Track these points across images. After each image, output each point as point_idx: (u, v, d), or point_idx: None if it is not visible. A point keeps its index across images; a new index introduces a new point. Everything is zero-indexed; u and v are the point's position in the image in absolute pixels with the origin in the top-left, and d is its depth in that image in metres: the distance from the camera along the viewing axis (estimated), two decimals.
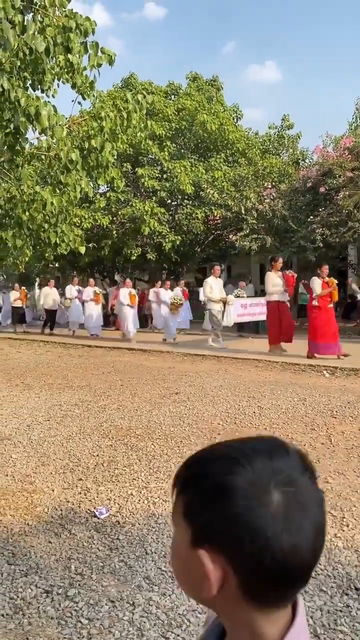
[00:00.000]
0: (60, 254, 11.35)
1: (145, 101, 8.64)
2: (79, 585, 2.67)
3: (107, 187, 18.49)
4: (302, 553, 0.59)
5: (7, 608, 2.49)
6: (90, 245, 16.86)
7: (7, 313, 19.66)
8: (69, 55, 7.17)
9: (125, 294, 14.16)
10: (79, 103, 14.25)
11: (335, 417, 5.69)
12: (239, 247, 16.37)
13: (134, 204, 17.17)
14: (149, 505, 3.58)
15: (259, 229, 16.02)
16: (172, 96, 20.40)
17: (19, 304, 18.21)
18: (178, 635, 2.25)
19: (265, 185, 17.14)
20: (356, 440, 4.88)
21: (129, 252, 18.03)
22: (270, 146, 19.70)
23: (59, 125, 7.52)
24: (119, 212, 17.73)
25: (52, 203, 8.59)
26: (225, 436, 5.12)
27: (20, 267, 12.79)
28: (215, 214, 17.97)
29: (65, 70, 7.56)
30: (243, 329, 14.29)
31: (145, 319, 17.97)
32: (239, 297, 13.38)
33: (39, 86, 7.64)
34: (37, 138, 8.68)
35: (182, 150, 19.17)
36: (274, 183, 17.18)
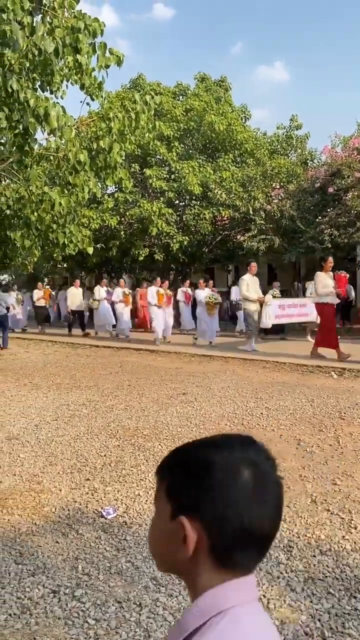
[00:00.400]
0: (68, 254, 11.38)
1: (153, 102, 8.65)
2: (86, 585, 2.67)
3: (115, 187, 18.50)
4: (265, 522, 0.73)
5: (15, 608, 2.49)
6: (98, 245, 16.76)
7: (26, 314, 19.41)
8: (78, 56, 7.19)
9: (153, 293, 13.41)
10: (88, 104, 14.34)
11: (343, 419, 5.66)
12: (246, 247, 16.33)
13: (141, 205, 17.18)
14: None
15: (267, 229, 15.97)
16: (181, 97, 20.41)
17: (42, 303, 17.77)
18: None
19: (273, 185, 17.08)
20: None
21: (136, 252, 18.04)
22: (279, 146, 19.63)
23: (68, 126, 7.55)
24: (127, 213, 17.75)
25: (60, 204, 8.62)
26: None
27: (29, 267, 12.85)
28: (223, 215, 17.94)
29: (74, 71, 7.58)
30: (283, 331, 13.50)
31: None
32: (275, 297, 12.30)
33: (48, 87, 7.67)
34: (46, 139, 8.71)
35: (190, 151, 19.15)
36: (282, 183, 17.12)
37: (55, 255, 13.06)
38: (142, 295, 16.05)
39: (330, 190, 14.53)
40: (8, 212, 8.91)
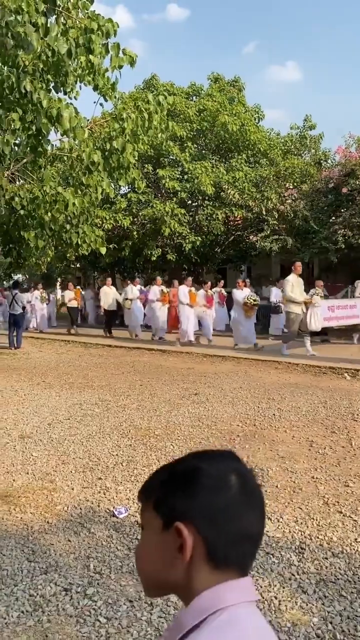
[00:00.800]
0: (81, 254, 11.42)
1: (166, 102, 8.66)
2: (98, 584, 2.68)
3: (128, 188, 18.58)
4: (255, 522, 0.77)
5: (27, 605, 2.51)
6: (110, 246, 16.79)
7: (54, 313, 19.04)
8: (91, 57, 7.22)
9: (185, 292, 12.92)
10: (101, 105, 14.36)
11: (356, 420, 5.62)
12: (259, 248, 16.28)
13: (154, 205, 17.21)
14: None
15: (280, 229, 15.91)
16: (194, 97, 20.41)
17: (74, 304, 17.26)
18: None
19: (286, 185, 17.02)
20: None
21: (149, 252, 18.07)
22: (292, 147, 19.55)
23: (81, 127, 7.59)
24: (140, 213, 17.79)
25: (74, 204, 8.67)
26: (243, 440, 5.10)
27: (43, 267, 12.93)
28: (235, 215, 17.91)
29: (87, 71, 7.62)
30: (326, 333, 12.63)
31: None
32: (320, 297, 11.23)
33: (62, 88, 7.72)
34: (60, 139, 8.76)
35: (203, 151, 19.15)
36: (295, 184, 17.05)
37: (68, 255, 13.12)
38: (173, 294, 15.06)
39: (344, 190, 14.44)
40: (22, 212, 8.98)
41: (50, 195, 8.74)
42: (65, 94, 7.90)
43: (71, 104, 7.63)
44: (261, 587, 2.64)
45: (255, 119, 20.20)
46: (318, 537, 3.14)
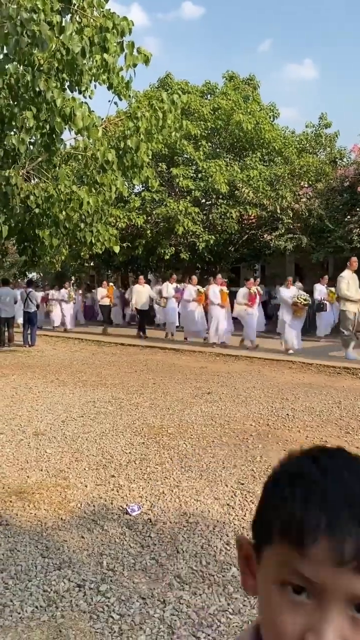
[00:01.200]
0: (95, 253, 11.44)
1: (180, 101, 8.66)
2: (111, 580, 2.69)
3: (142, 186, 18.58)
4: None
5: (41, 600, 2.53)
6: (124, 244, 16.81)
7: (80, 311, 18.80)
8: (105, 55, 7.24)
9: (216, 292, 12.35)
10: (115, 103, 14.38)
11: None
12: (273, 246, 16.20)
13: (168, 204, 17.21)
14: (180, 504, 3.58)
15: (294, 228, 15.82)
16: (208, 95, 20.36)
17: (106, 302, 16.86)
18: (209, 635, 2.24)
19: (301, 184, 16.91)
20: None
21: (162, 251, 18.08)
22: (307, 145, 19.41)
23: (94, 126, 7.61)
24: (154, 212, 17.80)
25: (88, 202, 8.71)
26: (258, 439, 5.08)
27: (57, 265, 13.01)
28: (250, 214, 17.84)
29: (102, 70, 7.64)
30: None
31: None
32: None
33: (77, 87, 7.75)
34: (74, 138, 8.80)
35: (217, 150, 19.10)
36: (310, 182, 16.94)
37: (82, 253, 13.19)
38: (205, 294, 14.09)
39: None
40: (37, 210, 9.03)
41: (64, 194, 8.79)
42: (80, 92, 7.94)
43: (85, 102, 7.66)
44: None
45: (270, 117, 20.09)
46: None
